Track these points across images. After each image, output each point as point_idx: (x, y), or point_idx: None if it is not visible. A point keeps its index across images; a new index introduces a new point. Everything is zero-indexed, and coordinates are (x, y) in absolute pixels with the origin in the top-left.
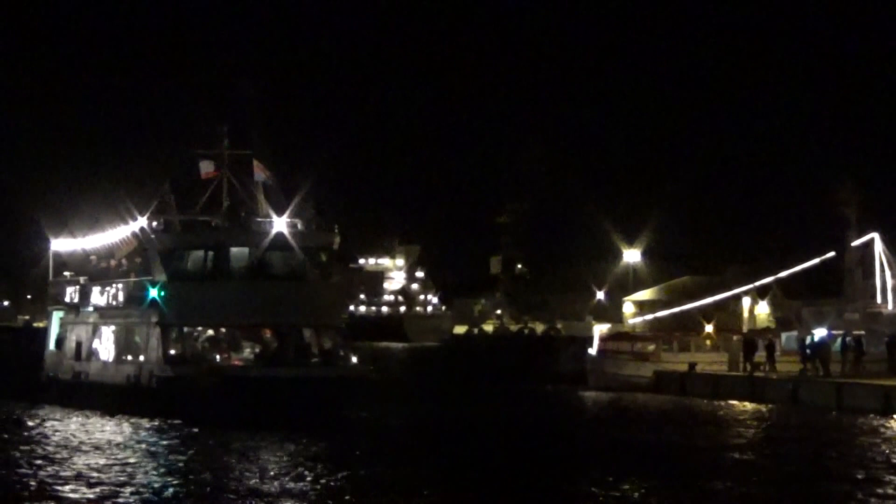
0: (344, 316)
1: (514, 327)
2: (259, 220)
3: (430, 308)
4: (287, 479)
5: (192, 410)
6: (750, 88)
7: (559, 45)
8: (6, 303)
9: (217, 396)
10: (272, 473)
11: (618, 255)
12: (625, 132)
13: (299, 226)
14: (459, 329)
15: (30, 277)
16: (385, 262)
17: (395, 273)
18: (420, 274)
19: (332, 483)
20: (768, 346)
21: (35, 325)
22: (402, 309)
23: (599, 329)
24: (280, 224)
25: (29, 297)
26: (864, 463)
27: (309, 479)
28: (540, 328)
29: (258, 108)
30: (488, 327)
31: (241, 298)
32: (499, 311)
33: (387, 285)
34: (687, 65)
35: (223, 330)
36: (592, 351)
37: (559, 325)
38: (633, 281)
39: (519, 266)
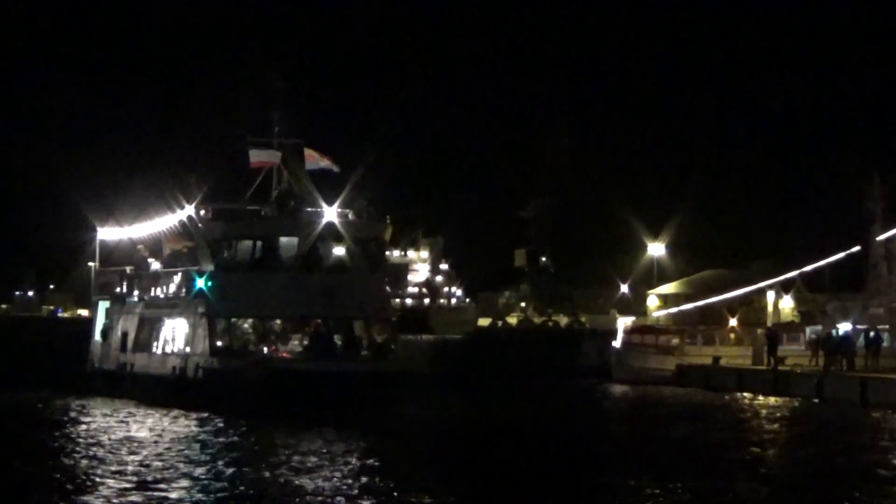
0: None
1: (538, 320)
2: (309, 209)
3: (454, 301)
4: (332, 477)
5: (237, 403)
6: (777, 81)
7: (586, 38)
8: (31, 293)
9: (264, 390)
10: (317, 471)
11: (642, 248)
12: (650, 126)
13: (350, 216)
14: (483, 322)
15: (76, 268)
16: (409, 254)
17: (419, 265)
18: (444, 266)
19: (378, 483)
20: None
21: (60, 314)
22: (427, 301)
23: (623, 322)
24: (331, 214)
25: (52, 286)
26: (889, 462)
27: (355, 477)
28: (564, 321)
29: (287, 100)
30: (512, 320)
31: (289, 290)
32: (523, 304)
33: (411, 277)
34: (714, 57)
35: (273, 322)
36: (616, 344)
37: (583, 318)
38: (657, 274)
39: (543, 259)
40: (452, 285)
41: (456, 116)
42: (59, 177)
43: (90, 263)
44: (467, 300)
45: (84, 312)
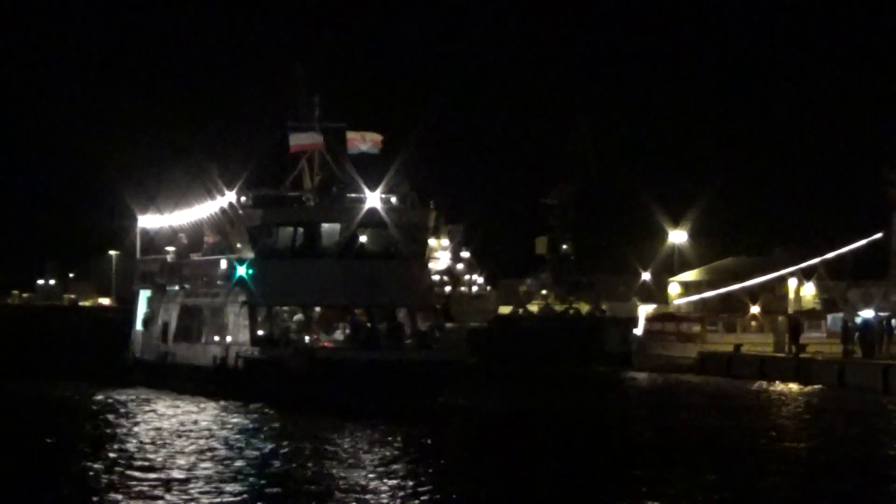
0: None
1: (559, 308)
2: (351, 195)
3: (475, 288)
4: (376, 470)
5: (278, 394)
6: (800, 67)
7: (608, 23)
8: (52, 281)
9: (306, 380)
10: (361, 463)
11: (663, 235)
12: (673, 113)
13: (393, 201)
14: (504, 309)
15: (98, 257)
16: (430, 241)
17: (440, 253)
18: (465, 254)
19: (424, 476)
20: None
21: (81, 303)
22: (448, 289)
23: (645, 310)
24: (373, 200)
25: (72, 275)
26: None
27: (401, 471)
28: (585, 309)
29: (309, 89)
30: (533, 308)
31: (332, 277)
32: (544, 292)
33: (432, 265)
34: (736, 43)
35: (316, 310)
36: (638, 332)
37: (604, 306)
38: (678, 262)
39: (564, 247)
40: (473, 273)
41: (477, 104)
42: (91, 164)
43: (111, 252)
44: (488, 288)
45: (106, 301)
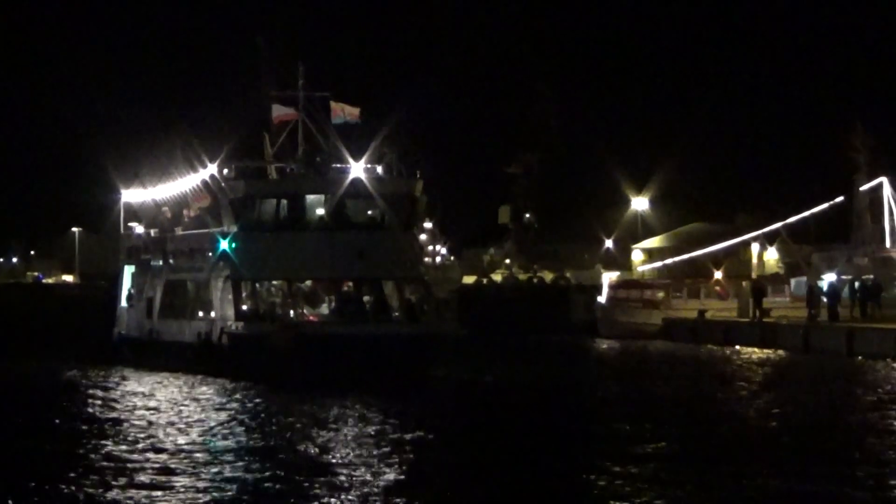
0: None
1: (523, 277)
2: (336, 165)
3: (438, 259)
4: (364, 447)
5: (263, 370)
6: (760, 33)
7: None
8: (15, 259)
9: (291, 355)
10: (348, 441)
11: (627, 203)
12: (635, 78)
13: (379, 171)
14: (468, 279)
15: (61, 234)
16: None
17: None
18: (429, 224)
19: (413, 454)
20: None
21: (44, 280)
22: None
23: (609, 277)
24: (358, 169)
25: (32, 252)
26: (876, 408)
27: (388, 448)
28: (549, 277)
29: (271, 62)
30: (497, 277)
31: (317, 250)
32: (508, 261)
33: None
34: (699, 9)
35: (302, 283)
36: (602, 299)
37: (568, 274)
38: (641, 228)
39: (527, 216)
40: (437, 243)
41: (436, 76)
42: (57, 139)
43: (74, 229)
44: (452, 258)
45: (69, 278)
